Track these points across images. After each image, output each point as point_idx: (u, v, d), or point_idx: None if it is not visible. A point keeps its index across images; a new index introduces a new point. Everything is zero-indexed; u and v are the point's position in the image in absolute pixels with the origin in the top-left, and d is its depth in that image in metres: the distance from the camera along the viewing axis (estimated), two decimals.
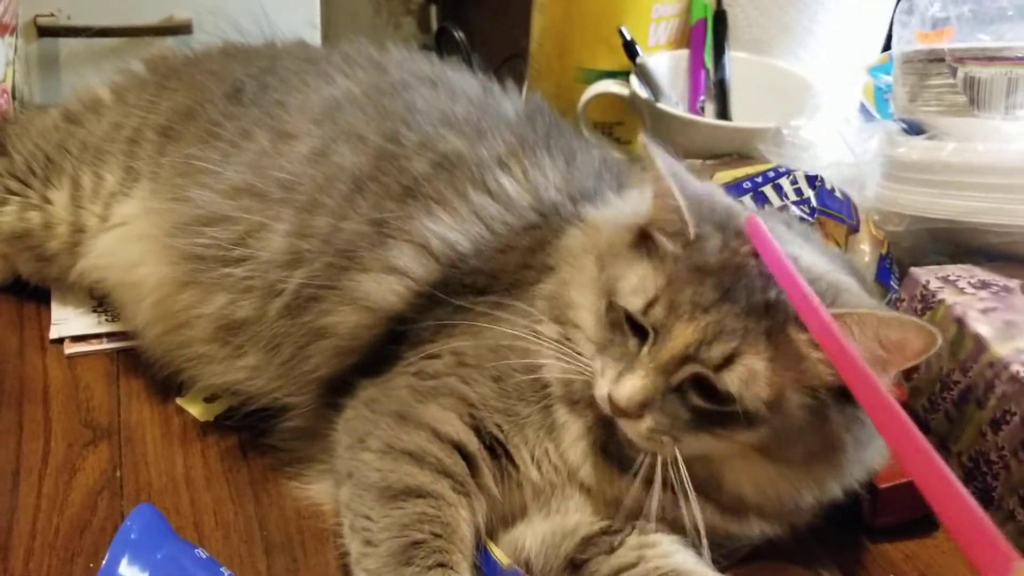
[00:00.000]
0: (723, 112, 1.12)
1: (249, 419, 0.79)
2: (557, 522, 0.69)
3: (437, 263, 0.74)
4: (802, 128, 0.99)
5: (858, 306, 0.59)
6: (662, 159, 0.62)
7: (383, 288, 0.73)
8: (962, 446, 0.77)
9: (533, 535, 0.69)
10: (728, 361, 0.58)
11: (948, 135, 0.89)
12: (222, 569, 0.65)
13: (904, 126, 0.94)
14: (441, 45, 1.36)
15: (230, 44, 0.98)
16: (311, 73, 0.88)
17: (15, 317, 0.94)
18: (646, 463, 0.63)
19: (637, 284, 0.62)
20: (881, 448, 0.66)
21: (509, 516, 0.70)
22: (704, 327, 0.59)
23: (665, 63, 1.13)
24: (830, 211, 0.88)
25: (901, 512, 0.77)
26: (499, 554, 0.69)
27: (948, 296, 0.80)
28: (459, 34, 1.32)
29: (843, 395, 0.59)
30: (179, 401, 0.85)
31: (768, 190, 0.89)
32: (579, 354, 0.65)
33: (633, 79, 1.09)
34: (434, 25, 1.57)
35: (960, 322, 0.78)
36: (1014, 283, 0.82)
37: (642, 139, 0.65)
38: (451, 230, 0.74)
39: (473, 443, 0.67)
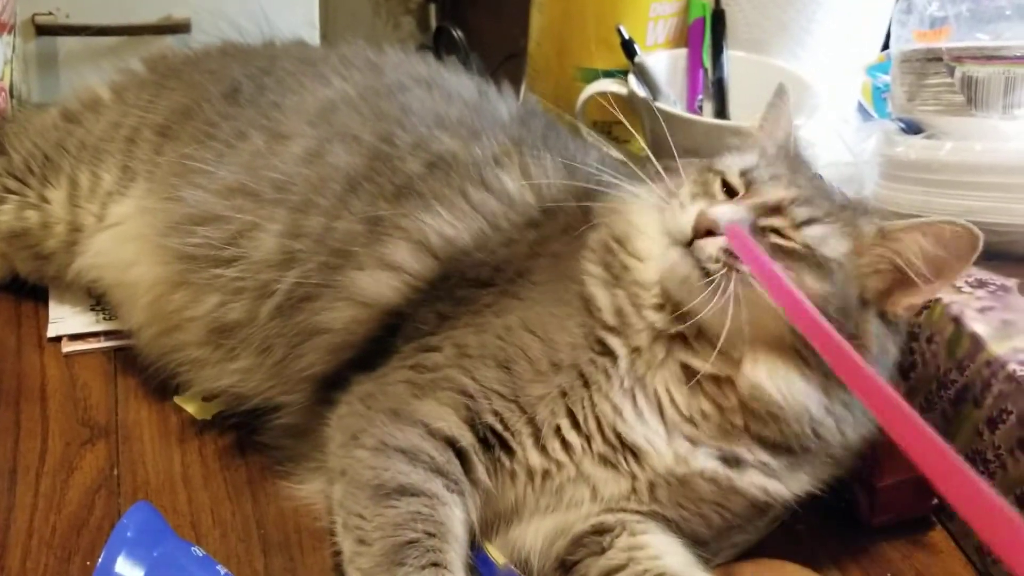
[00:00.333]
0: (721, 111, 1.12)
1: (246, 417, 0.79)
2: (559, 518, 0.69)
3: (435, 259, 0.74)
4: (800, 127, 0.99)
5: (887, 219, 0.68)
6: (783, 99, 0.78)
7: (379, 284, 0.74)
8: (959, 445, 0.77)
9: (535, 533, 0.69)
10: (809, 223, 0.66)
11: (946, 134, 0.89)
12: (219, 567, 0.65)
13: (902, 125, 0.94)
14: (439, 44, 1.36)
15: (229, 44, 0.98)
16: (307, 75, 0.88)
17: (13, 315, 0.94)
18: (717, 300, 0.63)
19: (736, 158, 0.71)
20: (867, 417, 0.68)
21: (506, 512, 0.69)
22: (796, 192, 0.67)
23: (663, 62, 1.13)
24: None
25: (899, 511, 0.77)
26: (495, 553, 0.69)
27: (945, 295, 0.80)
28: (458, 33, 1.32)
29: (883, 314, 0.67)
30: (176, 400, 0.85)
31: None
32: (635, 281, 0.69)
33: (631, 78, 1.09)
34: (433, 25, 1.57)
35: (957, 321, 0.78)
36: (1011, 282, 0.82)
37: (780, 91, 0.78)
38: (449, 226, 0.74)
39: (467, 438, 0.67)
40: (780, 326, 0.63)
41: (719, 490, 0.68)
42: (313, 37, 1.22)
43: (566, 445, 0.68)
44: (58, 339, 0.91)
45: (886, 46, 1.14)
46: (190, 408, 0.84)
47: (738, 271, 0.62)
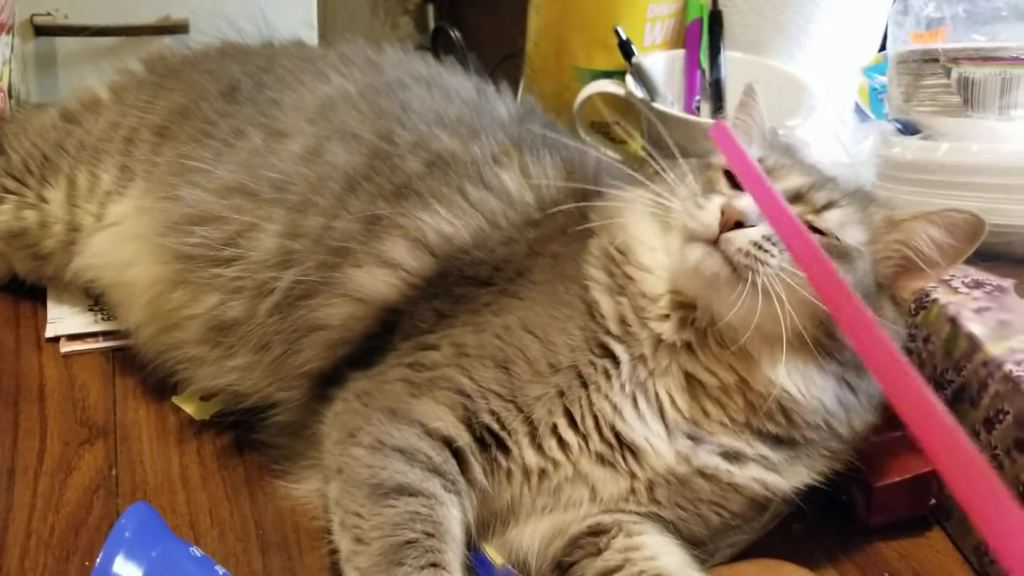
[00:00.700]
0: (719, 112, 1.12)
1: (245, 415, 0.79)
2: (557, 519, 0.69)
3: (433, 256, 0.74)
4: (797, 128, 1.00)
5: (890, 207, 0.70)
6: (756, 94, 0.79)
7: (376, 281, 0.74)
8: None
9: (532, 534, 0.69)
10: (830, 205, 0.67)
11: (942, 135, 0.89)
12: (217, 567, 0.65)
13: (899, 126, 0.94)
14: (437, 45, 1.36)
15: (228, 44, 0.98)
16: (307, 72, 0.88)
17: (11, 316, 0.94)
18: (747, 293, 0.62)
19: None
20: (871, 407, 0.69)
21: (503, 512, 0.70)
22: (812, 178, 0.69)
23: (661, 63, 1.13)
24: None
25: (896, 511, 0.77)
26: (492, 554, 0.69)
27: (942, 295, 0.80)
28: (455, 34, 1.32)
29: (892, 297, 0.69)
30: (175, 399, 0.85)
31: None
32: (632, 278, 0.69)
33: (629, 79, 1.09)
34: (431, 25, 1.57)
35: (954, 321, 0.78)
36: (1008, 283, 0.82)
37: (748, 88, 0.79)
38: (448, 223, 0.74)
39: (464, 437, 0.67)
40: (806, 319, 0.63)
41: (718, 488, 0.68)
42: (311, 37, 1.22)
43: (563, 444, 0.68)
44: (56, 339, 0.91)
45: (883, 47, 1.14)
46: (188, 408, 0.84)
47: (767, 264, 0.61)
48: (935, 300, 0.80)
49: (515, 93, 1.23)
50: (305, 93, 0.86)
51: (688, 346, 0.67)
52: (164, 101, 0.90)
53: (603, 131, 1.15)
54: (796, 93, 1.08)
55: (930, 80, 0.91)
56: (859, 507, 0.77)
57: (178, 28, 1.16)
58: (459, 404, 0.68)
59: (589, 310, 0.69)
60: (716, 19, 1.14)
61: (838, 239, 0.66)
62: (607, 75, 1.12)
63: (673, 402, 0.67)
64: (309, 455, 0.74)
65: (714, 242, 0.63)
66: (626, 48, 1.08)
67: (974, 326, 0.77)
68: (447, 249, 0.74)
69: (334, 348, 0.74)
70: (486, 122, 0.82)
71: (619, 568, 0.67)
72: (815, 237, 0.64)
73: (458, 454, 0.67)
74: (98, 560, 0.61)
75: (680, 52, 1.15)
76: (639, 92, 1.08)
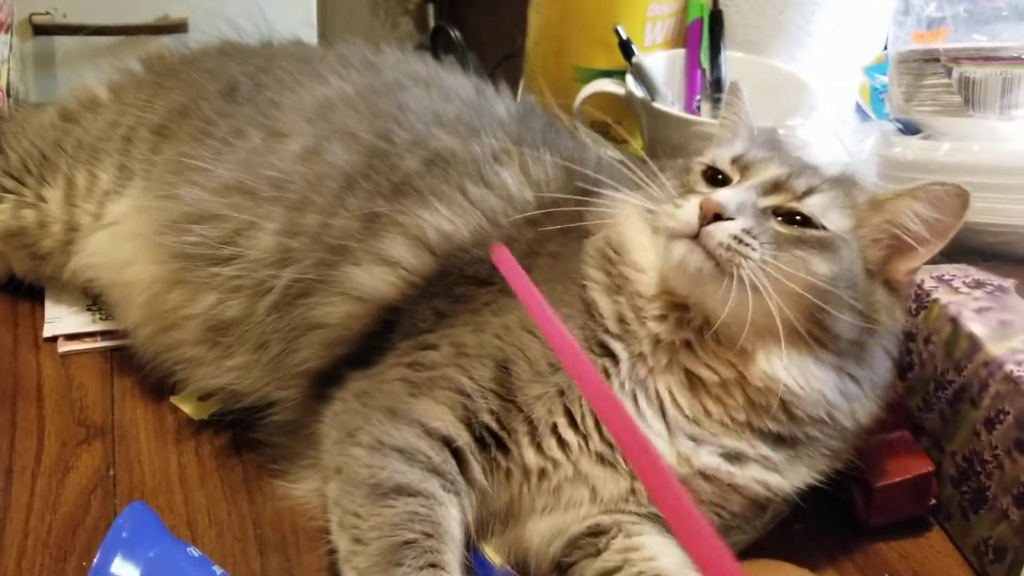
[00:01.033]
0: (718, 110, 1.12)
1: (243, 414, 0.79)
2: (557, 519, 0.69)
3: (432, 254, 0.74)
4: (798, 128, 0.99)
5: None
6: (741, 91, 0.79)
7: (375, 279, 0.73)
8: (956, 445, 0.77)
9: (532, 534, 0.69)
10: (809, 192, 0.67)
11: (943, 135, 0.89)
12: (214, 567, 0.64)
13: (900, 126, 0.94)
14: (437, 44, 1.36)
15: (227, 43, 0.98)
16: (306, 73, 0.88)
17: (9, 315, 0.94)
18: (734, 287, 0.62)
19: (723, 149, 0.72)
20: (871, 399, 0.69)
21: (503, 512, 0.69)
22: (790, 167, 0.69)
23: (661, 62, 1.13)
24: None
25: (896, 512, 0.77)
26: (491, 554, 0.68)
27: (943, 295, 0.80)
28: (455, 33, 1.32)
29: (886, 282, 0.68)
30: (173, 399, 0.84)
31: None
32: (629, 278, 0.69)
33: (629, 78, 1.09)
34: (431, 24, 1.57)
35: (955, 321, 0.78)
36: (1009, 283, 0.82)
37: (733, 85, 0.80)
38: (447, 221, 0.74)
39: (463, 437, 0.67)
40: (796, 311, 0.63)
41: (719, 489, 0.68)
42: (311, 36, 1.22)
43: (563, 444, 0.67)
44: (54, 339, 0.91)
45: (885, 47, 1.14)
46: (186, 408, 0.84)
47: (749, 257, 0.62)
48: (936, 300, 0.80)
49: (515, 93, 1.23)
50: (303, 94, 0.85)
51: (687, 344, 0.67)
52: (163, 100, 0.90)
53: (603, 130, 1.15)
54: (797, 93, 1.07)
55: (931, 80, 0.91)
56: (859, 507, 0.77)
57: (177, 27, 1.16)
58: (459, 404, 0.67)
59: (588, 309, 0.69)
60: (716, 19, 1.14)
61: (823, 226, 0.65)
62: (607, 75, 1.11)
63: (674, 400, 0.67)
64: (308, 454, 0.74)
65: (695, 237, 0.63)
66: (626, 48, 1.08)
67: (975, 326, 0.76)
68: (447, 247, 0.74)
69: (332, 347, 0.74)
70: (485, 121, 0.82)
71: (618, 569, 0.66)
72: (798, 228, 0.65)
73: (458, 454, 0.67)
74: (95, 560, 0.60)
75: (680, 52, 1.15)
76: (639, 92, 1.07)
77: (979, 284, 0.82)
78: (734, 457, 0.67)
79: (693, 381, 0.67)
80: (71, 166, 0.90)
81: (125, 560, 0.61)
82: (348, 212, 0.75)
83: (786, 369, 0.65)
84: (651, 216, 0.67)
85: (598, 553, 0.67)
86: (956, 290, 0.81)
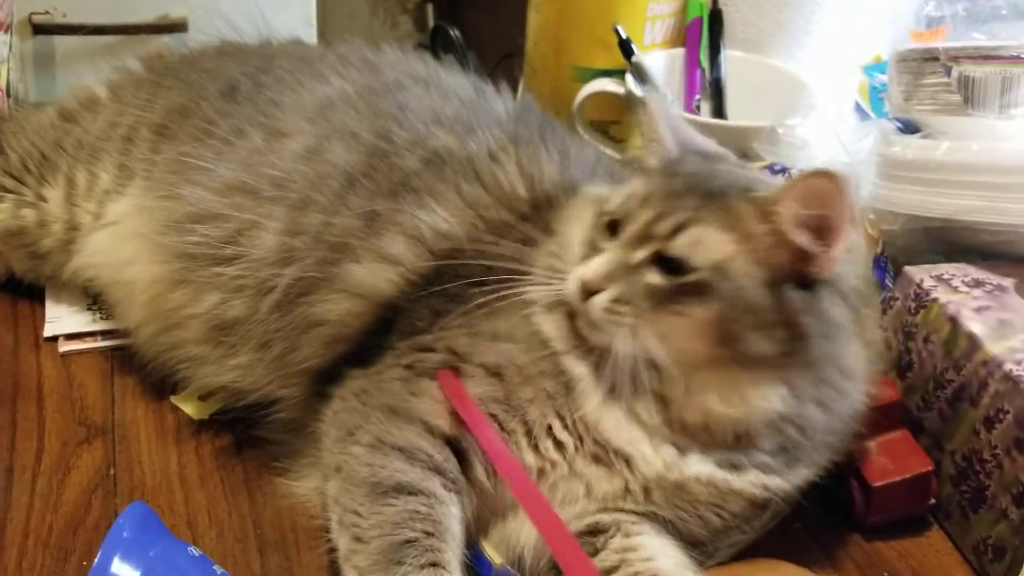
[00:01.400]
0: (719, 111, 1.12)
1: (245, 412, 0.79)
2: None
3: (430, 253, 0.74)
4: (797, 127, 0.99)
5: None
6: (659, 107, 0.73)
7: (375, 276, 0.74)
8: (955, 444, 0.77)
9: (530, 531, 0.69)
10: (677, 230, 0.63)
11: (943, 134, 0.89)
12: (215, 567, 0.65)
13: (899, 125, 0.94)
14: (436, 44, 1.36)
15: (227, 43, 0.98)
16: (306, 73, 0.88)
17: (9, 315, 0.94)
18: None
19: (619, 193, 0.69)
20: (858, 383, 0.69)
21: (502, 510, 0.69)
22: (660, 209, 0.64)
23: (661, 62, 1.13)
24: None
25: (895, 510, 0.77)
26: (492, 553, 0.68)
27: (942, 295, 0.80)
28: (455, 33, 1.32)
29: (801, 280, 0.63)
30: (173, 399, 0.85)
31: None
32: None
33: (629, 78, 1.09)
34: (430, 24, 1.57)
35: (954, 321, 0.78)
36: (1008, 282, 0.82)
37: (648, 96, 0.76)
38: (443, 221, 0.74)
39: (465, 436, 0.67)
40: (697, 348, 0.63)
41: (717, 492, 0.67)
42: (310, 36, 1.22)
43: (559, 444, 0.68)
44: (55, 339, 0.91)
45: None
46: (187, 408, 0.84)
47: (621, 325, 0.63)
48: (935, 299, 0.80)
49: (514, 92, 1.23)
50: (304, 94, 0.85)
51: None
52: (163, 100, 0.90)
53: (603, 130, 1.15)
54: (796, 92, 1.07)
55: (930, 79, 0.91)
56: (858, 506, 0.77)
57: (176, 27, 1.15)
58: None
59: (534, 336, 0.69)
60: (716, 18, 1.14)
61: (694, 267, 0.62)
62: (607, 74, 1.11)
63: (647, 410, 0.66)
64: (309, 452, 0.74)
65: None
66: (626, 47, 1.08)
67: (974, 325, 0.76)
68: (443, 246, 0.74)
69: (333, 345, 0.74)
70: (483, 119, 0.82)
71: (615, 568, 0.66)
72: (670, 277, 0.62)
73: (459, 452, 0.67)
74: (96, 560, 0.61)
75: (680, 51, 1.15)
76: (639, 91, 1.07)
77: (978, 283, 0.82)
78: (727, 465, 0.67)
79: (659, 396, 0.66)
80: (71, 165, 0.90)
81: (125, 560, 0.61)
82: (349, 211, 0.75)
83: (721, 400, 0.64)
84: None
85: (595, 552, 0.67)
86: (955, 289, 0.81)
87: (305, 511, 0.74)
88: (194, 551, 0.65)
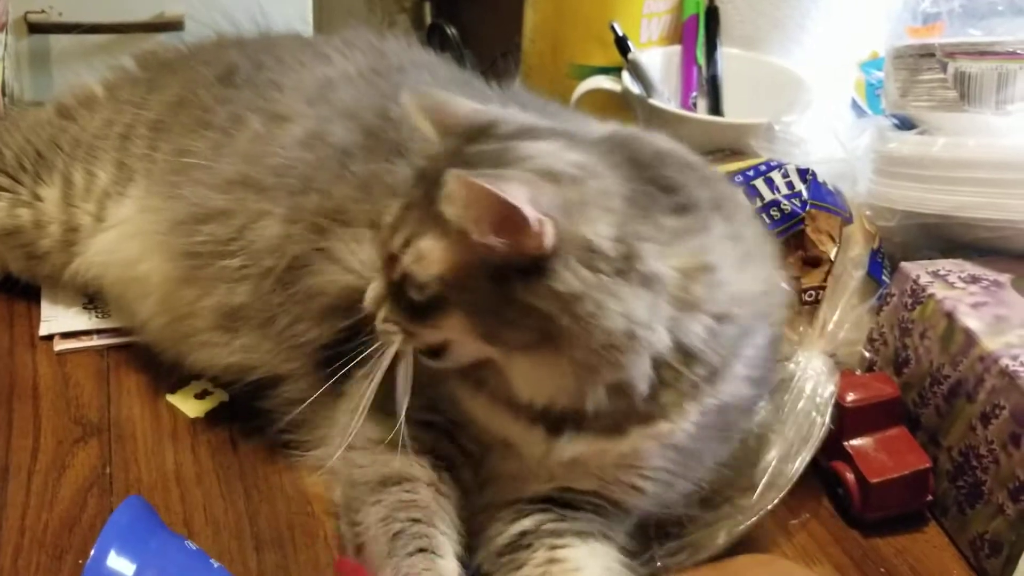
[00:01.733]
0: (715, 108, 1.12)
1: (249, 395, 0.79)
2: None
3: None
4: (794, 124, 0.99)
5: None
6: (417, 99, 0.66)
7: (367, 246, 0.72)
8: (952, 440, 0.77)
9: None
10: (406, 246, 0.60)
11: (939, 130, 0.89)
12: (212, 561, 0.65)
13: (895, 121, 0.94)
14: (433, 42, 1.36)
15: (224, 36, 0.97)
16: (308, 53, 0.88)
17: (5, 313, 0.94)
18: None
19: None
20: None
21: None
22: (396, 223, 0.62)
23: (657, 59, 1.13)
24: (822, 204, 0.88)
25: (892, 507, 0.77)
26: None
27: (938, 291, 0.80)
28: (451, 30, 1.32)
29: (524, 270, 0.56)
30: (169, 398, 0.84)
31: (760, 183, 0.89)
32: None
33: (625, 75, 1.09)
34: (428, 22, 1.57)
35: (950, 316, 0.78)
36: (1004, 278, 0.82)
37: (407, 94, 0.67)
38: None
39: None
40: (475, 349, 0.61)
41: (614, 458, 0.64)
42: (307, 33, 1.22)
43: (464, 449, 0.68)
44: (50, 337, 0.91)
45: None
46: (183, 406, 0.84)
47: (394, 344, 0.62)
48: (931, 295, 0.80)
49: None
50: (305, 74, 0.85)
51: None
52: (158, 95, 0.90)
53: None
54: (793, 89, 1.07)
55: (926, 75, 0.91)
56: (855, 503, 0.77)
57: (173, 25, 1.15)
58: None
59: None
60: (712, 15, 1.14)
61: (421, 282, 0.59)
62: (604, 71, 1.11)
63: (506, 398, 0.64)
64: (317, 422, 0.74)
65: None
66: (622, 44, 1.08)
67: (970, 321, 0.76)
68: None
69: (331, 316, 0.73)
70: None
71: None
72: (417, 292, 0.60)
73: (454, 423, 0.67)
74: (92, 553, 0.60)
75: (676, 48, 1.15)
76: (635, 89, 1.07)
77: (975, 279, 0.82)
78: (607, 428, 0.63)
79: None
80: (68, 164, 0.90)
81: (122, 553, 0.61)
82: (345, 183, 0.75)
83: (526, 386, 0.62)
84: None
85: (519, 567, 0.65)
86: (952, 285, 0.81)
87: (303, 509, 0.74)
88: (191, 545, 0.65)
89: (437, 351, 0.62)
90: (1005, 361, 0.72)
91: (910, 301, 0.82)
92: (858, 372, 0.84)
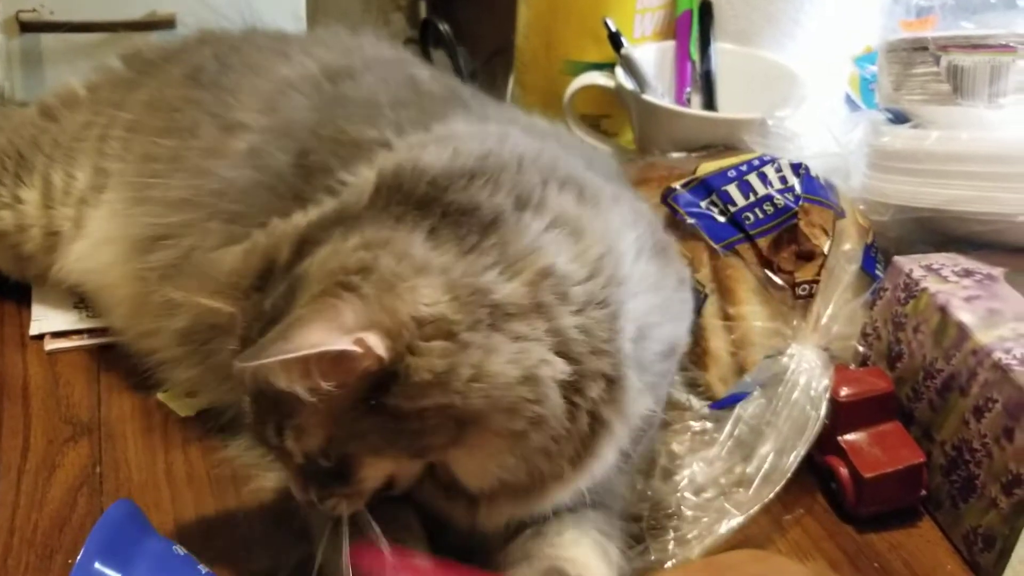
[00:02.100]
0: (709, 103, 1.12)
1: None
2: None
3: None
4: (788, 118, 0.99)
5: None
6: None
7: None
8: (945, 434, 0.77)
9: None
10: (279, 435, 0.57)
11: (932, 124, 0.88)
12: (200, 567, 0.64)
13: (889, 115, 0.94)
14: (427, 39, 1.36)
15: (207, 31, 0.96)
16: (273, 53, 0.84)
17: None
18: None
19: None
20: None
21: None
22: (256, 419, 0.59)
23: (651, 55, 1.13)
24: (815, 198, 0.88)
25: (886, 502, 0.77)
26: None
27: (931, 284, 0.80)
28: (444, 27, 1.32)
29: (387, 383, 0.53)
30: (160, 397, 0.84)
31: (753, 178, 0.88)
32: None
33: (619, 71, 1.08)
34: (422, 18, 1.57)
35: (943, 310, 0.77)
36: (997, 271, 0.82)
37: None
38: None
39: None
40: (419, 465, 0.60)
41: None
42: (300, 32, 1.22)
43: None
44: (41, 336, 0.90)
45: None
46: (173, 405, 0.83)
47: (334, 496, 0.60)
48: (924, 289, 0.80)
49: (505, 86, 1.23)
50: (263, 77, 0.81)
51: None
52: (135, 96, 0.88)
53: (594, 124, 1.15)
54: (786, 84, 1.07)
55: (919, 68, 0.90)
56: (849, 498, 0.76)
57: (165, 23, 1.15)
58: None
59: None
60: (706, 10, 1.13)
61: (324, 459, 0.58)
62: (597, 67, 1.11)
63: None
64: None
65: None
66: (615, 40, 1.08)
67: (963, 315, 0.76)
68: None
69: None
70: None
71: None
72: None
73: None
74: (79, 557, 0.60)
75: (670, 44, 1.15)
76: (629, 84, 1.07)
77: (968, 273, 0.81)
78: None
79: None
80: (47, 165, 0.89)
81: (109, 557, 0.60)
82: (278, 210, 0.67)
83: (463, 471, 0.60)
84: None
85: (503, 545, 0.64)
86: (945, 279, 0.80)
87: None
88: (179, 550, 0.64)
89: (388, 487, 0.60)
90: (998, 355, 0.72)
91: (903, 295, 0.82)
92: (852, 366, 0.84)
